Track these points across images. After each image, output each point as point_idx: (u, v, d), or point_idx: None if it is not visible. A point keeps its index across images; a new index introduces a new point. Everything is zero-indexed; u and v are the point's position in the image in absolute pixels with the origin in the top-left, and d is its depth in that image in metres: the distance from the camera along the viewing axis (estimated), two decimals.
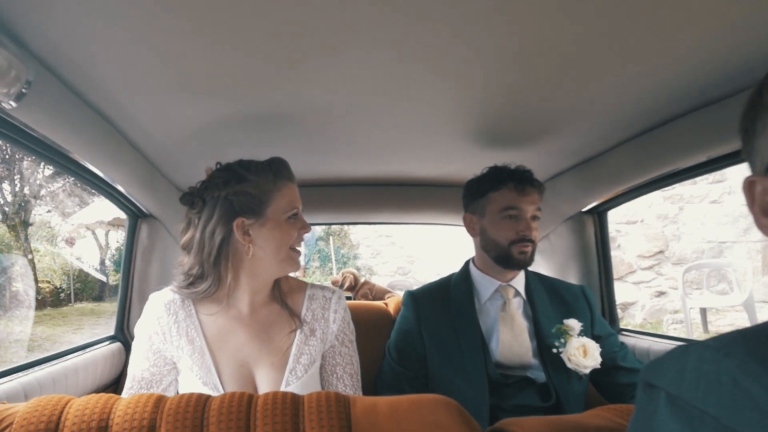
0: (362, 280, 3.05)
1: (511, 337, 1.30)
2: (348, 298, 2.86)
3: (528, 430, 0.59)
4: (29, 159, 7.96)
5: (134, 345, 1.03)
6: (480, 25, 0.76)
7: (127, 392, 0.99)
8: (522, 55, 0.86)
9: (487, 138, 1.35)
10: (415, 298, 1.43)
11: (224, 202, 0.99)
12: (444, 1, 0.70)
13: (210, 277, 1.00)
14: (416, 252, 8.79)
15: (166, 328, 1.01)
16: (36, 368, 1.15)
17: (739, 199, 5.75)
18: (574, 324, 1.27)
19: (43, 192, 8.46)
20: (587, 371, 1.23)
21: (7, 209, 7.84)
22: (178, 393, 1.02)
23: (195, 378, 0.99)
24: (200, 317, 1.03)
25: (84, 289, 8.24)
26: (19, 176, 8.11)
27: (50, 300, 7.57)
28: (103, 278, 8.67)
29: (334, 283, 2.99)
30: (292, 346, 1.04)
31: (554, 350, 1.25)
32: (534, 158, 1.52)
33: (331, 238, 9.48)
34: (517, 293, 1.37)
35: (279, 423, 0.58)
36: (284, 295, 1.10)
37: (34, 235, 8.42)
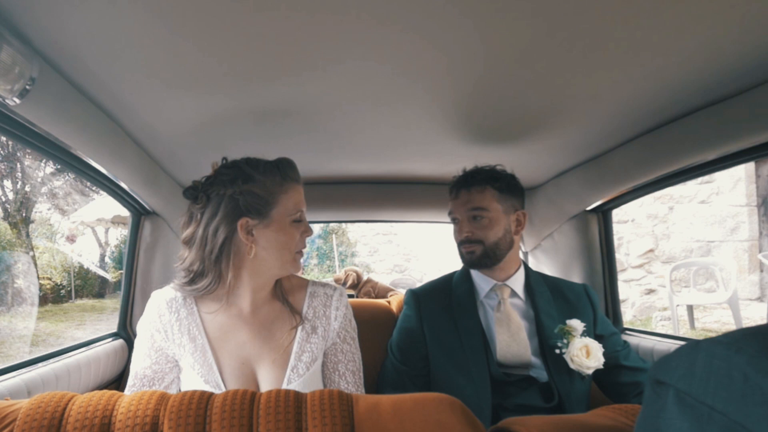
0: (365, 278, 3.06)
1: (508, 337, 1.29)
2: (350, 296, 2.87)
3: (531, 429, 0.58)
4: (30, 156, 8.00)
5: (136, 342, 1.03)
6: (479, 24, 0.76)
7: (129, 389, 0.99)
8: (525, 54, 0.86)
9: (490, 136, 1.34)
10: (417, 297, 1.43)
11: (230, 200, 0.98)
12: (441, 3, 0.69)
13: (210, 274, 0.99)
14: (413, 250, 8.98)
15: (168, 326, 1.01)
16: (39, 365, 1.15)
17: (727, 200, 5.97)
18: (576, 324, 1.27)
19: (44, 189, 8.51)
20: (590, 372, 1.23)
21: (8, 206, 7.89)
22: (180, 391, 1.02)
23: (197, 376, 0.99)
24: (202, 315, 1.03)
25: (84, 285, 8.30)
26: (20, 173, 8.15)
27: (51, 297, 7.63)
28: (104, 275, 8.72)
29: (336, 281, 2.99)
30: (293, 344, 1.04)
31: (557, 351, 1.25)
32: (538, 156, 1.51)
33: (333, 236, 9.53)
34: (514, 293, 1.37)
35: (282, 421, 0.58)
36: (286, 293, 1.10)
37: (35, 232, 8.47)
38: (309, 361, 1.03)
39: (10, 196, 8.02)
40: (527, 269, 1.42)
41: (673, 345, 1.44)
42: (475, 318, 1.34)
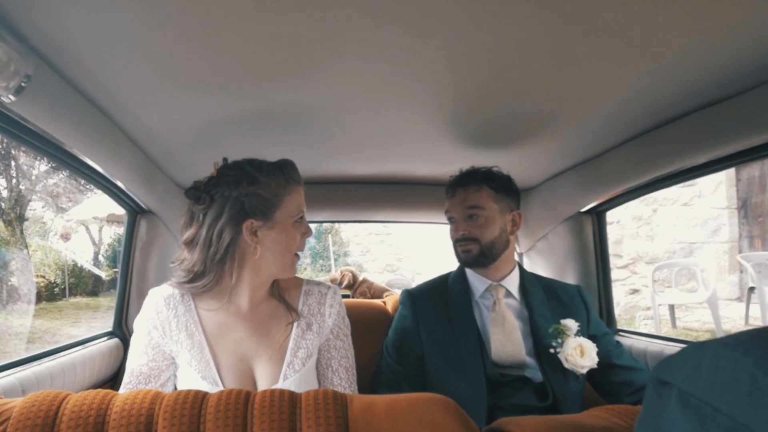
0: (360, 278, 3.06)
1: (503, 337, 1.30)
2: (346, 296, 2.87)
3: (525, 430, 0.59)
4: (25, 154, 7.96)
5: (133, 340, 1.03)
6: (476, 28, 0.76)
7: (125, 387, 0.99)
8: (521, 56, 0.86)
9: (486, 138, 1.35)
10: (413, 297, 1.44)
11: (235, 202, 0.98)
12: (441, 3, 0.69)
13: (211, 274, 1.00)
14: (405, 250, 9.13)
15: (165, 322, 1.01)
16: (34, 363, 1.15)
17: (708, 203, 6.17)
18: (571, 324, 1.28)
19: (38, 187, 8.47)
20: (584, 371, 1.24)
21: (3, 204, 7.85)
22: (176, 388, 1.02)
23: (194, 372, 0.99)
24: (200, 312, 1.03)
25: (78, 283, 8.28)
26: (15, 172, 8.11)
27: (45, 294, 7.61)
28: (99, 273, 8.70)
29: (332, 281, 2.99)
30: (289, 340, 1.05)
31: (551, 350, 1.26)
32: (533, 158, 1.52)
33: (329, 236, 9.56)
34: (509, 293, 1.38)
35: (276, 421, 0.58)
36: (282, 291, 1.11)
37: (29, 230, 8.44)
38: (305, 357, 1.04)
39: (5, 193, 7.98)
40: (522, 270, 1.43)
41: (666, 346, 1.45)
42: (470, 318, 1.34)
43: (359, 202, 1.91)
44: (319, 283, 1.16)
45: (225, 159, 1.05)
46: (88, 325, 6.72)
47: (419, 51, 0.84)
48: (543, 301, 1.37)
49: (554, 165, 1.61)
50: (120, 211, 1.62)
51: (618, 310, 6.31)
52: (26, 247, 7.86)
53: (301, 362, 1.03)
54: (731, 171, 6.00)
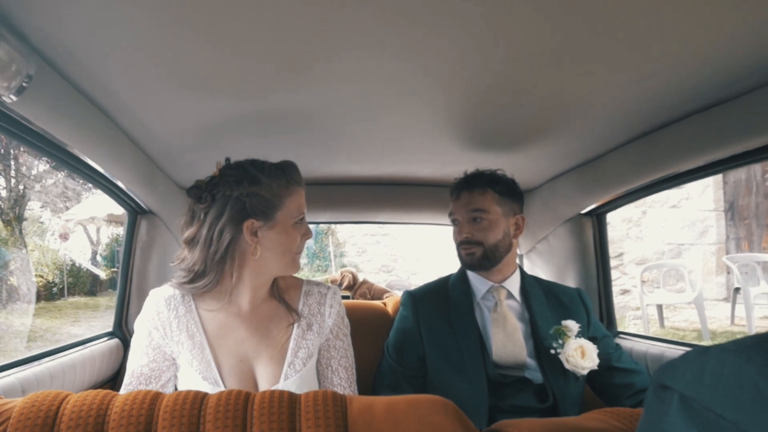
0: (361, 279, 3.06)
1: (504, 337, 1.30)
2: (346, 297, 2.87)
3: None
4: (24, 154, 7.98)
5: (134, 340, 1.03)
6: (476, 29, 0.76)
7: (125, 388, 0.99)
8: (522, 58, 0.86)
9: (486, 140, 1.35)
10: (414, 298, 1.44)
11: (236, 202, 0.98)
12: (440, 4, 0.70)
13: (212, 274, 1.00)
14: (399, 251, 9.24)
15: (166, 323, 1.01)
16: (34, 363, 1.15)
17: (696, 205, 6.30)
18: (572, 325, 1.28)
19: (37, 187, 8.49)
20: (585, 372, 1.24)
21: (2, 204, 7.86)
22: (176, 389, 1.02)
23: (195, 373, 0.99)
24: (200, 313, 1.04)
25: (76, 283, 8.31)
26: (14, 172, 8.12)
27: (44, 294, 7.64)
28: (98, 272, 8.72)
29: (332, 282, 2.99)
30: (290, 341, 1.05)
31: (552, 351, 1.26)
32: (534, 160, 1.52)
33: (330, 237, 9.59)
34: (510, 295, 1.38)
35: (276, 422, 0.58)
36: (282, 292, 1.11)
37: (26, 229, 8.46)
38: (305, 357, 1.05)
39: (3, 193, 8.00)
40: (522, 272, 1.44)
41: (666, 349, 1.45)
42: (471, 319, 1.34)
43: (361, 203, 1.91)
44: (318, 284, 1.16)
45: (227, 159, 1.05)
46: (88, 324, 6.75)
47: (421, 51, 0.84)
48: (543, 303, 1.38)
49: (555, 167, 1.61)
50: (118, 211, 1.62)
51: None
52: (25, 246, 7.88)
53: (301, 362, 1.04)
54: (718, 174, 6.11)
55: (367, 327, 1.56)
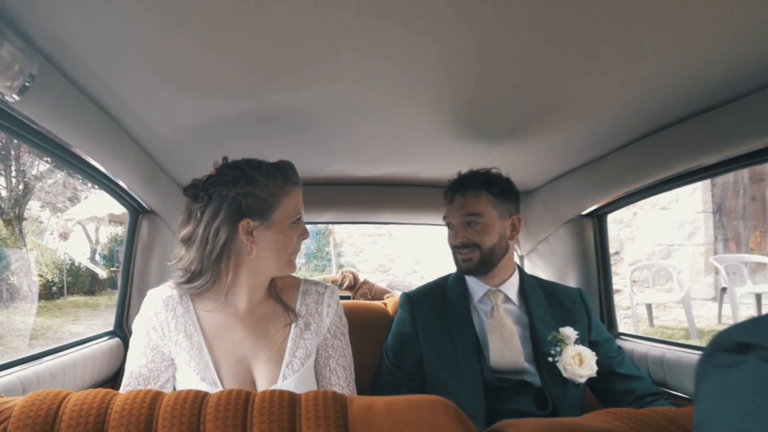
0: (361, 279, 3.05)
1: (501, 343, 1.29)
2: (347, 298, 2.87)
3: None
4: (24, 154, 8.00)
5: (132, 341, 1.03)
6: (477, 29, 0.76)
7: (124, 388, 0.99)
8: (522, 58, 0.86)
9: (487, 140, 1.34)
10: (412, 300, 1.42)
11: (232, 201, 0.98)
12: (439, 5, 0.70)
13: (208, 274, 1.00)
14: (395, 251, 9.31)
15: (164, 323, 1.01)
16: (34, 362, 1.15)
17: (685, 206, 6.47)
18: (569, 333, 1.25)
19: (37, 188, 8.51)
20: (583, 380, 1.22)
21: (2, 204, 7.88)
22: (175, 389, 1.02)
23: (193, 373, 0.99)
24: (198, 313, 1.04)
25: (76, 282, 8.34)
26: (15, 172, 8.14)
27: (44, 293, 7.67)
28: (98, 271, 8.74)
29: (333, 282, 2.99)
30: (287, 340, 1.05)
31: (550, 359, 1.24)
32: (535, 160, 1.52)
33: (331, 237, 9.62)
34: (508, 299, 1.36)
35: (276, 421, 0.58)
36: (279, 292, 1.11)
37: (26, 228, 8.49)
38: (303, 357, 1.04)
39: (4, 193, 8.01)
40: (522, 274, 1.41)
41: (667, 351, 1.44)
42: (468, 323, 1.33)
43: (361, 203, 1.91)
44: (316, 283, 1.16)
45: (225, 158, 1.05)
46: (88, 323, 6.79)
47: (421, 51, 0.84)
48: (544, 306, 1.35)
49: (555, 167, 1.61)
50: (118, 211, 1.62)
51: None
52: (25, 246, 7.90)
53: (299, 362, 1.03)
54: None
55: (367, 327, 1.56)
